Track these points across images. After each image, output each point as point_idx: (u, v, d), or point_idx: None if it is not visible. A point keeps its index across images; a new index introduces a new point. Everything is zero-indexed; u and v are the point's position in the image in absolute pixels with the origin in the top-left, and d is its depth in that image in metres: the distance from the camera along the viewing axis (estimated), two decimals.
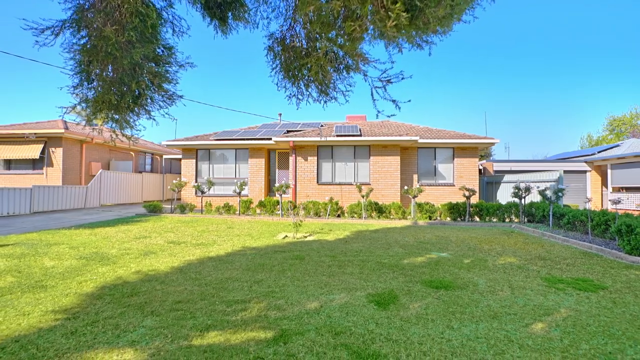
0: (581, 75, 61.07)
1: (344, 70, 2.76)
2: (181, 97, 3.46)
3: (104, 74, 3.09)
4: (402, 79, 2.25)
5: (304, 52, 3.02)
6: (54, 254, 6.11)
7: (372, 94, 2.39)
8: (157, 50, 3.65)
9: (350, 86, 2.96)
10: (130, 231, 8.87)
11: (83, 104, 3.29)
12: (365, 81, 2.46)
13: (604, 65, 57.62)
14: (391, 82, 2.28)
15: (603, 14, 55.51)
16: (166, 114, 3.47)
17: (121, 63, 2.95)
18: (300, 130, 16.17)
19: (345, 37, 2.14)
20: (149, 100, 3.40)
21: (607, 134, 41.83)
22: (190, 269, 5.33)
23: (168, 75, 3.40)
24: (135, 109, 3.30)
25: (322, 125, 17.37)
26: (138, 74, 3.26)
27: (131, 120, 3.45)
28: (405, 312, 3.73)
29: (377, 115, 2.91)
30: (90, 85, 3.36)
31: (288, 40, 3.25)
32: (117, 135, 3.44)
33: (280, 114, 20.17)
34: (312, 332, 3.17)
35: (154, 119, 3.41)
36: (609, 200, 7.69)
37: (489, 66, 68.32)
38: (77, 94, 3.22)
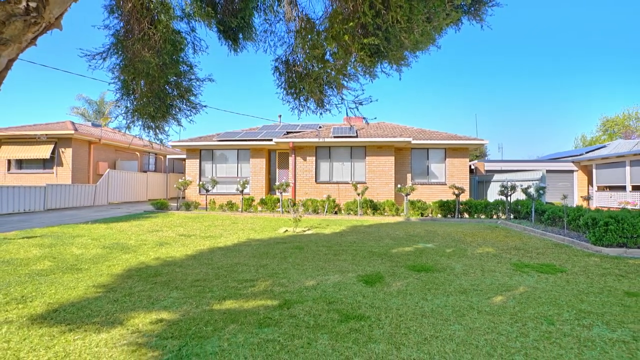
0: (578, 75, 61.86)
1: (335, 89, 3.47)
2: (204, 106, 4.18)
3: (144, 89, 3.80)
4: (371, 102, 2.96)
5: (303, 73, 3.73)
6: (79, 244, 6.81)
7: (347, 113, 3.10)
8: (180, 68, 4.37)
9: (342, 100, 3.66)
10: (142, 226, 9.57)
11: (124, 115, 4.00)
12: (342, 103, 3.18)
13: (601, 65, 58.41)
14: (362, 104, 2.99)
15: (600, 13, 56.34)
16: (191, 120, 4.19)
17: (158, 82, 3.66)
18: (300, 132, 16.88)
19: (333, 67, 2.86)
20: (177, 110, 4.11)
21: (600, 135, 42.60)
22: (202, 256, 6.04)
23: (193, 89, 4.11)
24: (167, 117, 4.01)
25: (320, 127, 18.08)
26: (170, 89, 3.98)
27: (161, 126, 4.16)
28: (389, 288, 4.45)
29: (350, 127, 3.63)
30: (128, 99, 4.07)
31: (291, 61, 3.96)
32: (151, 143, 4.15)
33: (280, 116, 20.89)
34: (310, 301, 3.88)
35: (181, 125, 4.14)
36: (580, 197, 8.42)
37: (483, 67, 69.12)
38: (119, 105, 3.93)
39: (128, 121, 4.17)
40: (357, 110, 2.99)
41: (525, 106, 71.12)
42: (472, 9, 3.93)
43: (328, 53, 3.14)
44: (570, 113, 66.84)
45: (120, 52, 3.91)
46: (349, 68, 2.75)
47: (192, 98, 4.07)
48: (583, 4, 58.17)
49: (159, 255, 6.00)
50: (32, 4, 2.11)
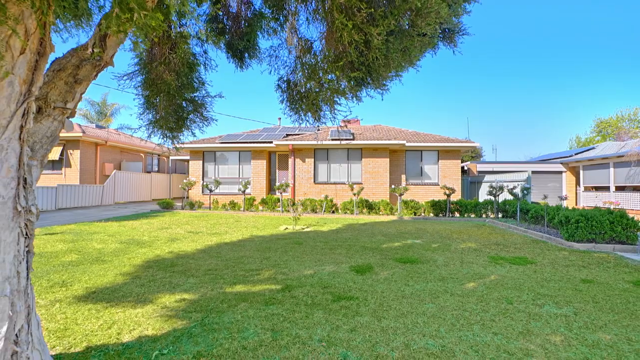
0: (575, 76, 62.45)
1: (329, 105, 4.13)
2: (216, 120, 4.84)
3: (164, 104, 4.46)
4: (357, 120, 3.59)
5: (303, 92, 4.39)
6: (98, 239, 7.46)
7: (337, 130, 3.75)
8: (194, 84, 5.03)
9: (335, 118, 4.33)
10: (152, 224, 10.22)
11: (146, 126, 4.66)
12: (334, 119, 3.86)
13: (599, 66, 59.00)
14: (350, 122, 3.63)
15: (599, 13, 57.06)
16: (202, 131, 4.86)
17: (176, 100, 4.32)
18: (299, 134, 17.53)
19: (328, 90, 3.52)
20: (191, 122, 4.77)
21: (594, 136, 43.33)
22: (211, 250, 6.70)
23: (205, 105, 4.77)
24: (183, 129, 4.68)
25: (318, 129, 18.73)
26: (185, 104, 4.64)
27: (177, 136, 4.83)
28: (377, 276, 5.11)
29: (347, 130, 4.29)
30: (150, 112, 4.73)
31: (292, 80, 4.62)
32: (170, 150, 4.82)
33: (280, 118, 21.54)
34: (308, 286, 4.54)
35: (195, 135, 4.81)
36: (558, 197, 9.12)
37: (479, 67, 69.87)
38: (141, 119, 4.59)
39: (149, 132, 4.84)
40: (346, 126, 3.63)
41: (522, 107, 71.86)
42: (447, 35, 4.61)
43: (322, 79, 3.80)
44: (567, 113, 67.59)
45: (144, 73, 4.57)
46: (339, 91, 3.41)
47: (205, 112, 4.73)
48: (579, 4, 58.88)
49: (172, 250, 6.66)
50: (96, 50, 2.77)
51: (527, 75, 65.75)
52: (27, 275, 2.16)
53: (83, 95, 2.99)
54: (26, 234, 2.12)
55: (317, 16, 3.10)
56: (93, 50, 2.76)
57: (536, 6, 59.96)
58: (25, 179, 2.04)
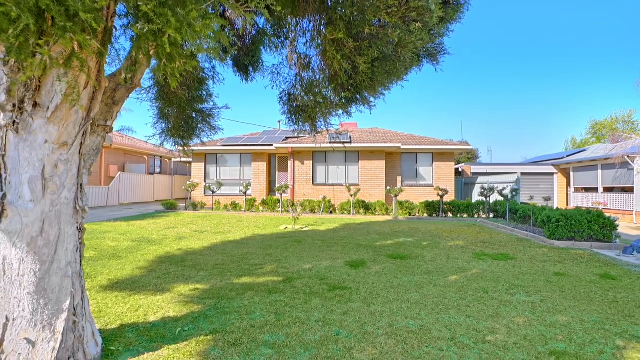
0: (573, 76, 62.97)
1: (324, 117, 4.67)
2: (222, 129, 5.38)
3: (175, 114, 5.00)
4: (348, 132, 4.11)
5: (302, 105, 4.93)
6: (110, 238, 7.98)
7: (330, 142, 4.27)
8: (202, 96, 5.56)
9: (328, 131, 4.88)
10: (158, 224, 10.74)
11: (160, 134, 5.19)
12: (328, 131, 4.41)
13: (594, 66, 59.57)
14: (341, 134, 4.17)
15: (597, 13, 57.69)
16: (210, 139, 5.40)
17: (187, 111, 4.86)
18: (298, 137, 18.06)
19: (323, 105, 4.06)
20: (200, 131, 5.31)
21: (589, 137, 43.89)
22: (217, 247, 7.22)
23: (213, 115, 5.31)
24: (192, 137, 5.22)
25: (317, 133, 19.26)
26: (195, 115, 5.18)
27: (187, 143, 5.37)
28: (369, 270, 5.64)
29: (345, 134, 4.82)
30: (163, 122, 5.26)
31: (292, 94, 5.16)
32: (180, 154, 5.36)
33: (279, 122, 22.08)
34: (306, 278, 5.07)
35: (203, 142, 5.35)
36: (542, 198, 9.67)
37: (476, 68, 70.51)
38: (155, 128, 5.12)
39: (162, 139, 5.38)
40: (338, 138, 4.14)
41: (520, 108, 72.47)
42: (430, 54, 5.16)
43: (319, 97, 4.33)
44: (565, 114, 68.19)
45: (158, 87, 5.11)
46: (333, 105, 3.95)
47: (212, 122, 5.27)
48: (576, 4, 59.55)
49: (180, 247, 7.18)
50: (129, 75, 3.29)
51: (526, 76, 66.38)
52: (80, 261, 2.68)
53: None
54: (80, 229, 2.65)
55: (313, 44, 3.63)
56: (126, 76, 3.29)
57: (533, 6, 60.64)
58: (81, 185, 2.57)
